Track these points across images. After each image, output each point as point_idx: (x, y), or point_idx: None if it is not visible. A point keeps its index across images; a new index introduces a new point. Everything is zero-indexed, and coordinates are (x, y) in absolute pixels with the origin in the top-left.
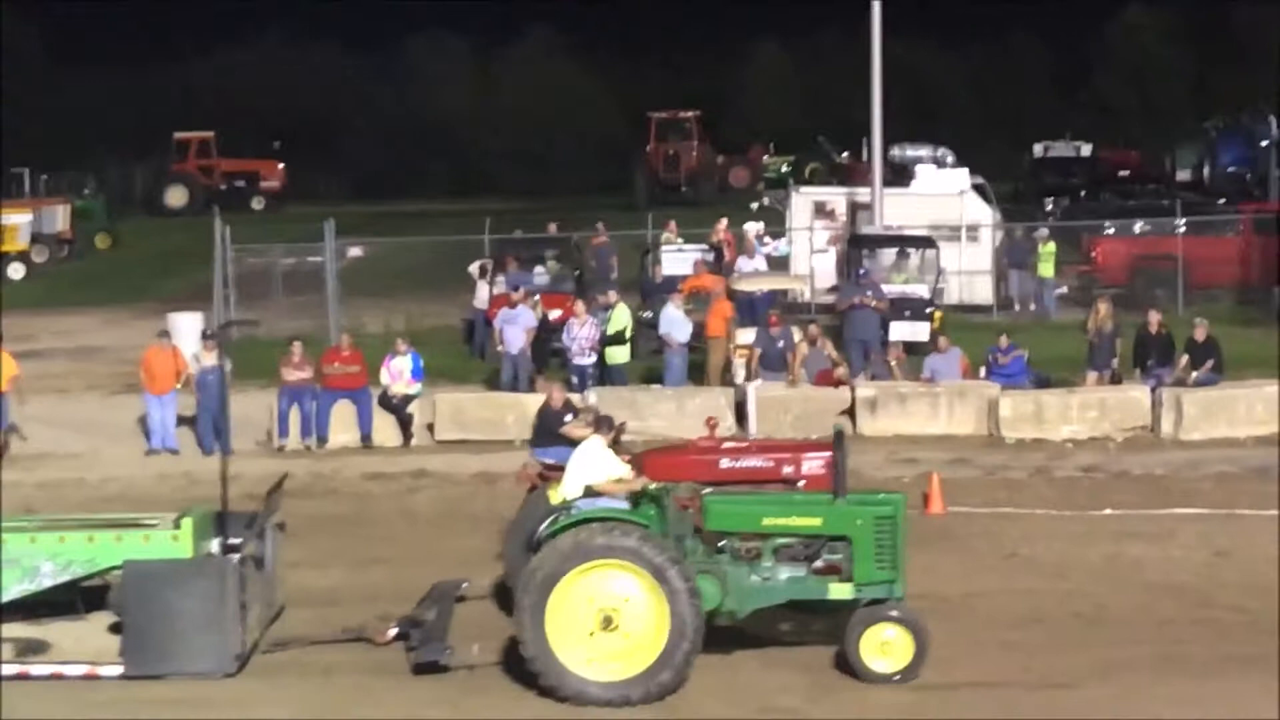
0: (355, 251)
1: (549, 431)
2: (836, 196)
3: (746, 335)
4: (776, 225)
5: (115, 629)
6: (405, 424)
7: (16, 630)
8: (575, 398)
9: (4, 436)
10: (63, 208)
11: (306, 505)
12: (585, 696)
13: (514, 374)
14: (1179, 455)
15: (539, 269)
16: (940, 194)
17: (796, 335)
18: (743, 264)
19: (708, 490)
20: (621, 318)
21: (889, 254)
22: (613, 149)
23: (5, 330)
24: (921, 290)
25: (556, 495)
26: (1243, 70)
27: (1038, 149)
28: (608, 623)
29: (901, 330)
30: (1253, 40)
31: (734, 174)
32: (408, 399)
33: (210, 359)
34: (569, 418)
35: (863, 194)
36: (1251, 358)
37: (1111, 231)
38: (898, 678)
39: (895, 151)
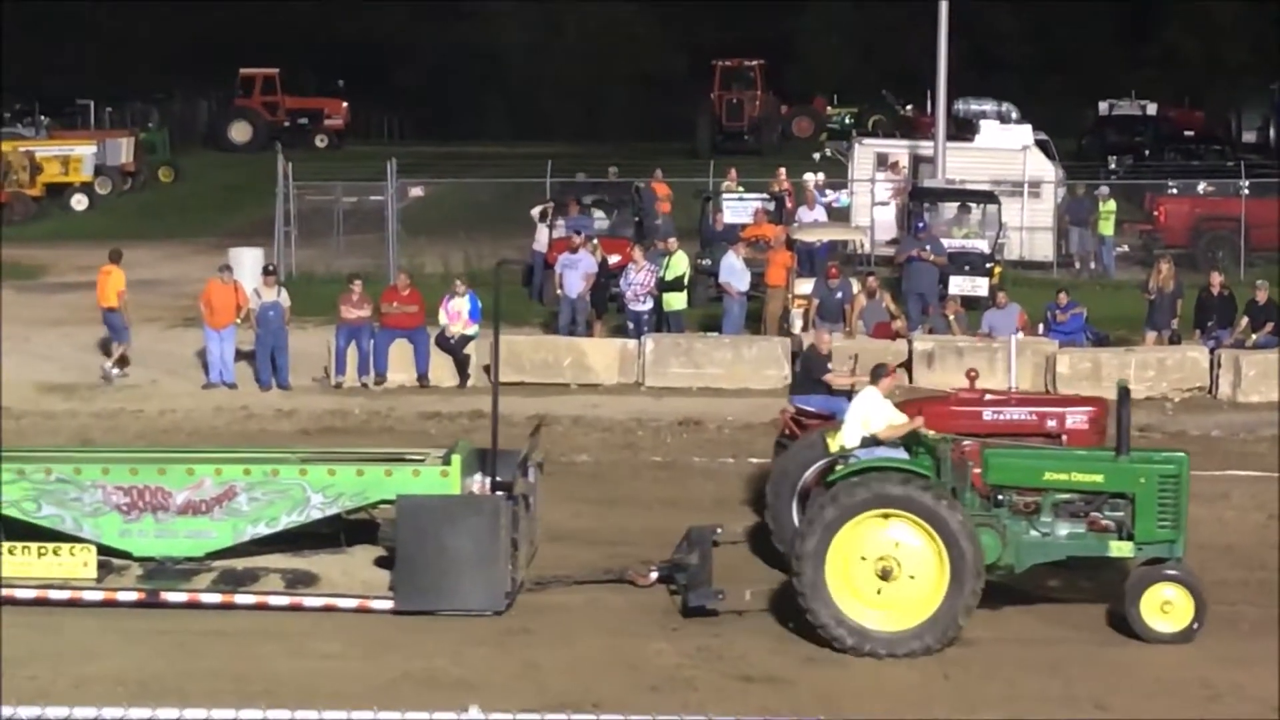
0: (416, 191)
1: (811, 379)
2: (899, 149)
3: (805, 285)
4: (838, 176)
5: (380, 563)
6: (462, 365)
7: (282, 562)
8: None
9: (124, 349)
10: (126, 140)
11: (365, 442)
12: (860, 645)
13: (571, 318)
14: (1236, 417)
15: (599, 213)
16: (1003, 149)
17: (855, 287)
18: (803, 214)
19: (987, 442)
20: (680, 264)
21: (950, 208)
22: (675, 95)
23: (69, 260)
24: (982, 245)
25: (834, 443)
26: None
27: (1102, 107)
28: (887, 573)
29: (960, 284)
30: None
31: (797, 124)
32: (465, 340)
33: (270, 294)
34: (832, 366)
35: (925, 147)
36: None
37: (1174, 191)
38: (1180, 638)
39: (959, 105)
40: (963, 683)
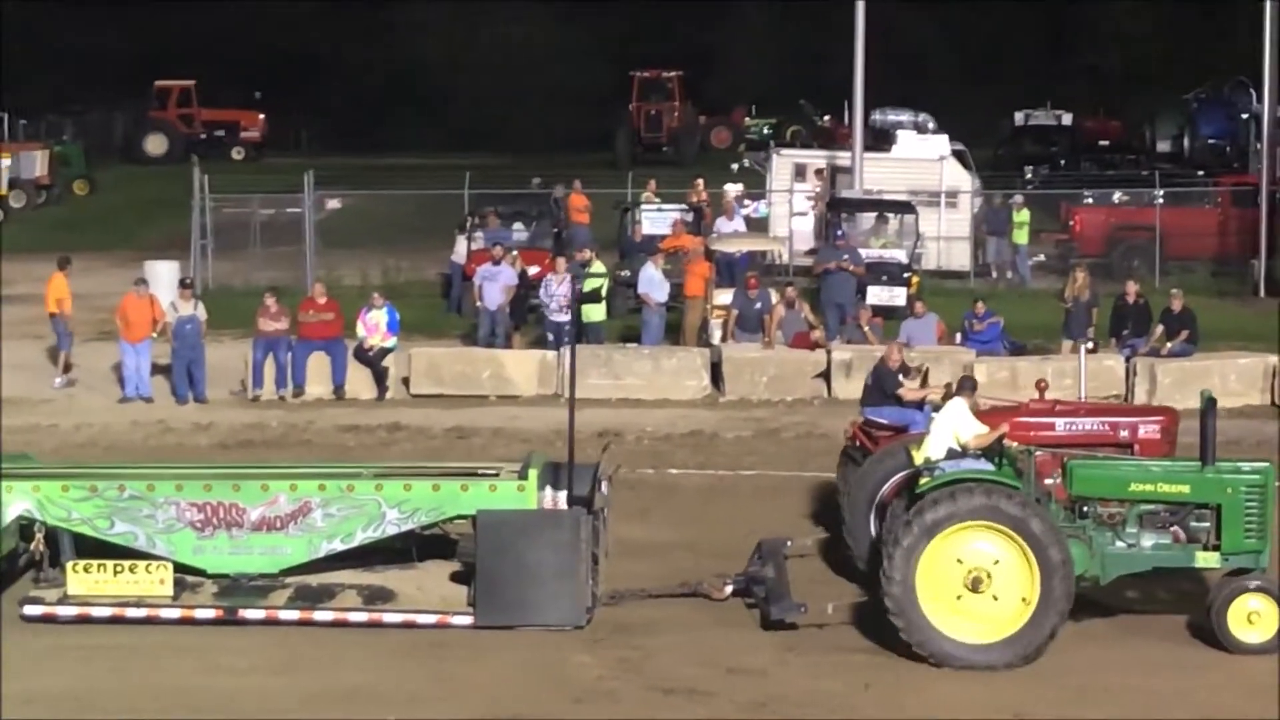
0: (334, 203)
1: (883, 391)
2: (817, 159)
3: (724, 296)
4: (757, 187)
5: (455, 578)
6: (380, 377)
7: (356, 577)
8: (903, 359)
9: (68, 357)
10: (41, 153)
11: (282, 456)
12: (948, 657)
13: (491, 330)
14: None
15: (518, 225)
16: (920, 159)
17: (774, 297)
18: (722, 225)
19: (1067, 453)
20: (599, 276)
21: (868, 218)
22: (594, 107)
23: None
24: (899, 255)
25: (919, 455)
26: (1224, 42)
27: (1018, 117)
28: (977, 584)
29: (878, 294)
30: (1235, 10)
31: (715, 135)
32: (383, 352)
33: (187, 308)
34: (903, 378)
35: (843, 158)
36: (1226, 329)
37: (1090, 201)
38: (1269, 648)
39: (877, 116)
40: (884, 692)
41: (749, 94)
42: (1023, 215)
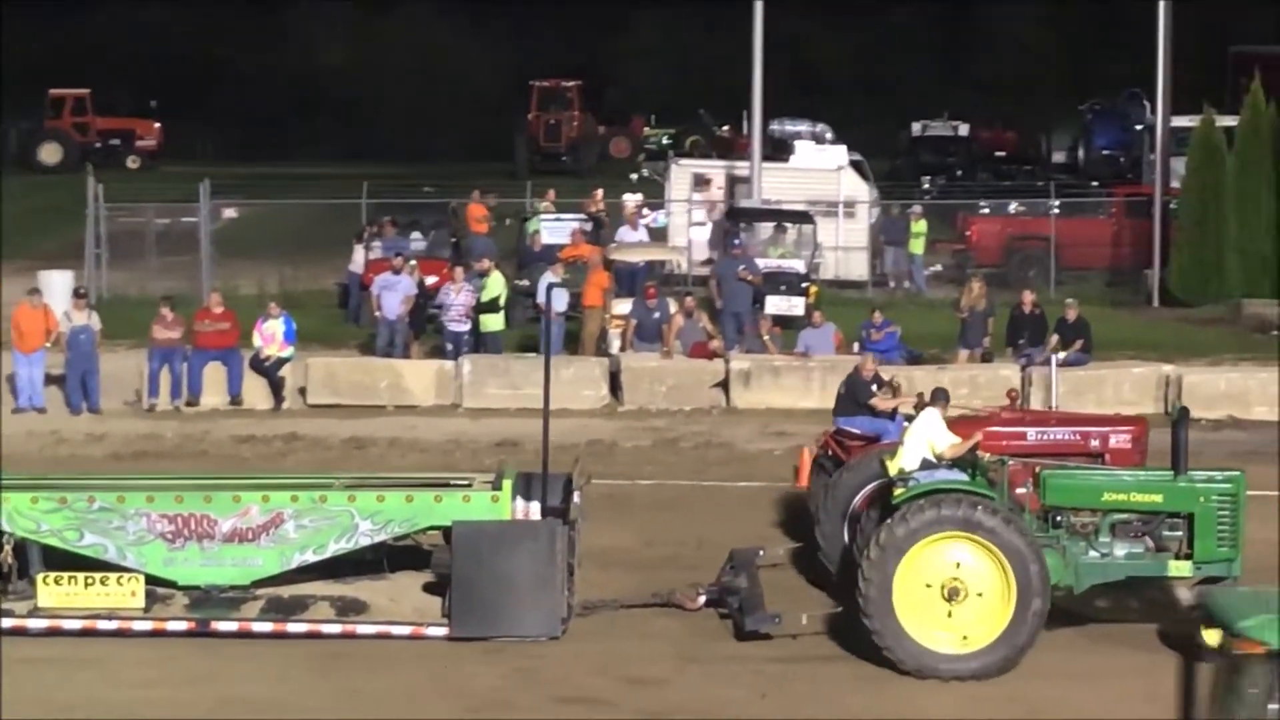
0: (230, 213)
1: (855, 401)
2: (715, 169)
3: (624, 306)
4: (655, 197)
5: (429, 589)
6: (277, 387)
7: (327, 589)
8: (878, 371)
9: None
10: None
11: (178, 466)
12: (926, 667)
13: (390, 340)
14: None
15: (415, 234)
16: (818, 170)
17: (672, 307)
18: (623, 234)
19: (1039, 463)
20: (497, 285)
21: (766, 228)
22: (494, 116)
23: None
24: (797, 265)
25: (893, 466)
26: (1119, 53)
27: (915, 127)
28: (953, 594)
29: (777, 304)
30: (1129, 23)
31: (614, 144)
32: (280, 362)
33: (81, 317)
34: (876, 389)
35: (741, 168)
36: (1121, 339)
37: (986, 211)
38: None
39: (775, 126)
40: (782, 701)
41: (648, 104)
42: (920, 225)
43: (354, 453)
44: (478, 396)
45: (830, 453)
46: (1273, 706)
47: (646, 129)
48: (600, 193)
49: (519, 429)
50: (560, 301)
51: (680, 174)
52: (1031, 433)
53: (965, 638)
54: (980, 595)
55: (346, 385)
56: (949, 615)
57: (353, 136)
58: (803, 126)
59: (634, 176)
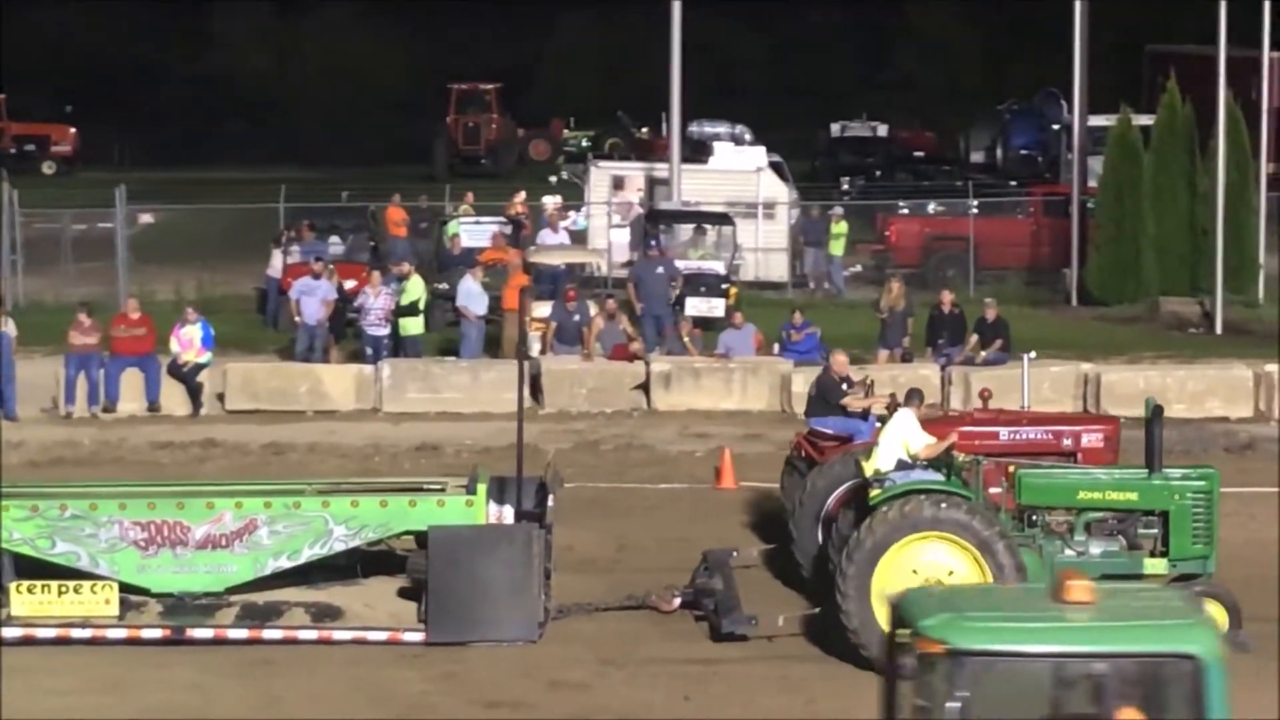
0: (146, 218)
1: (827, 401)
2: (634, 172)
3: (544, 309)
4: (575, 199)
5: (403, 594)
6: (194, 393)
7: (301, 594)
8: (851, 369)
9: None
10: None
11: (95, 474)
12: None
13: (309, 344)
14: None
15: (334, 238)
16: (737, 171)
17: (593, 309)
18: (544, 237)
19: (1014, 462)
20: (416, 289)
21: (686, 230)
22: (412, 119)
23: None
24: (717, 266)
25: (868, 467)
26: (1036, 53)
27: (835, 128)
28: None
29: (697, 305)
30: (1046, 23)
31: (534, 147)
32: (198, 368)
33: None
34: (847, 388)
35: (661, 170)
36: (1040, 338)
37: (905, 211)
38: None
39: (694, 128)
40: (704, 703)
41: (567, 106)
42: (841, 226)
43: (273, 458)
44: (397, 401)
45: (803, 454)
46: (951, 705)
47: (566, 131)
48: (523, 195)
49: (439, 433)
50: (480, 305)
51: (599, 176)
52: (1004, 432)
53: None
54: None
55: (265, 390)
56: None
57: (271, 140)
58: (721, 128)
59: (553, 179)
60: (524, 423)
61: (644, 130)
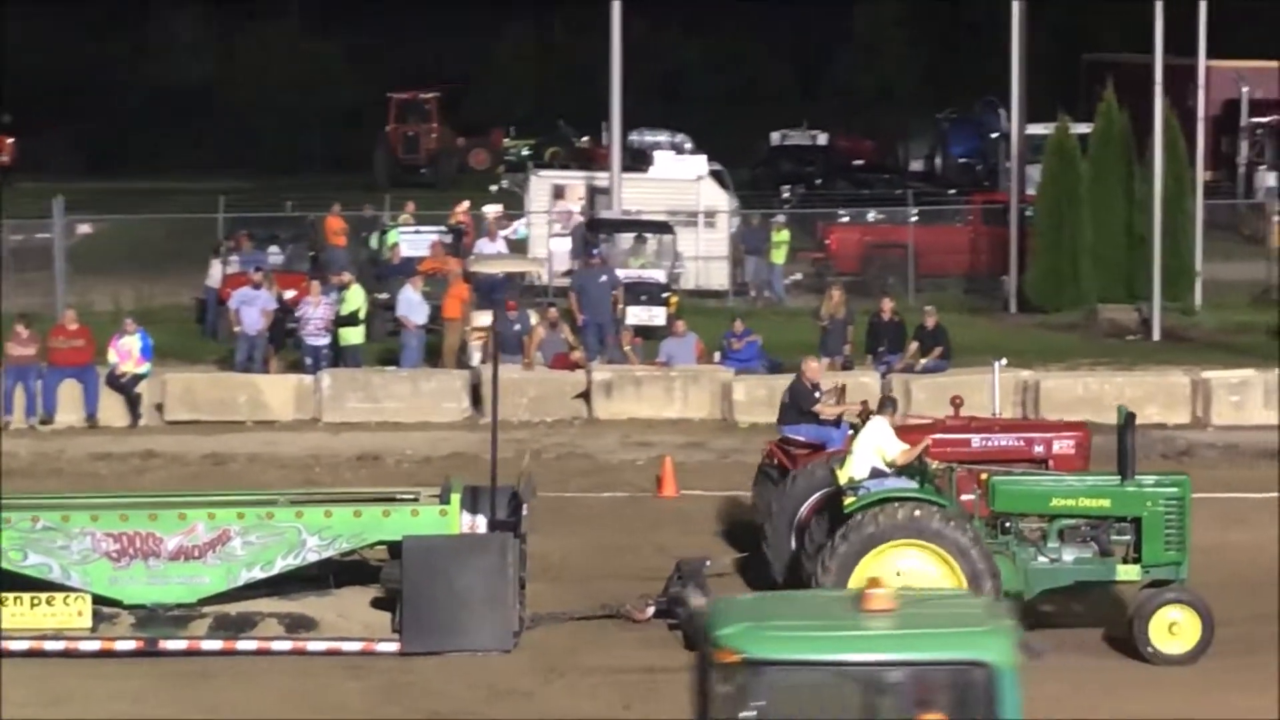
0: (85, 229)
1: (799, 409)
2: (575, 180)
3: (484, 317)
4: (515, 208)
5: (376, 604)
6: (133, 404)
7: (274, 605)
8: (823, 375)
9: None
10: None
11: (33, 486)
12: None
13: (249, 355)
14: None
15: (273, 248)
16: (678, 179)
17: (534, 318)
18: (483, 246)
19: (986, 469)
20: (356, 298)
21: (626, 238)
22: (353, 128)
23: None
24: (658, 275)
25: (843, 475)
26: (974, 62)
27: (775, 136)
28: None
29: (638, 314)
30: (984, 32)
31: (474, 156)
32: (136, 378)
33: None
34: (818, 395)
35: (601, 178)
36: (979, 345)
37: (845, 219)
38: (1188, 658)
39: (634, 137)
40: (644, 713)
41: (507, 115)
42: (783, 234)
43: (213, 469)
44: (337, 411)
45: (775, 461)
46: (745, 714)
47: (506, 140)
48: (466, 204)
49: (380, 443)
50: (420, 314)
51: (540, 185)
52: (976, 439)
53: None
54: None
55: (205, 401)
56: None
57: (210, 150)
58: (662, 136)
59: (493, 188)
60: (465, 432)
61: (584, 139)
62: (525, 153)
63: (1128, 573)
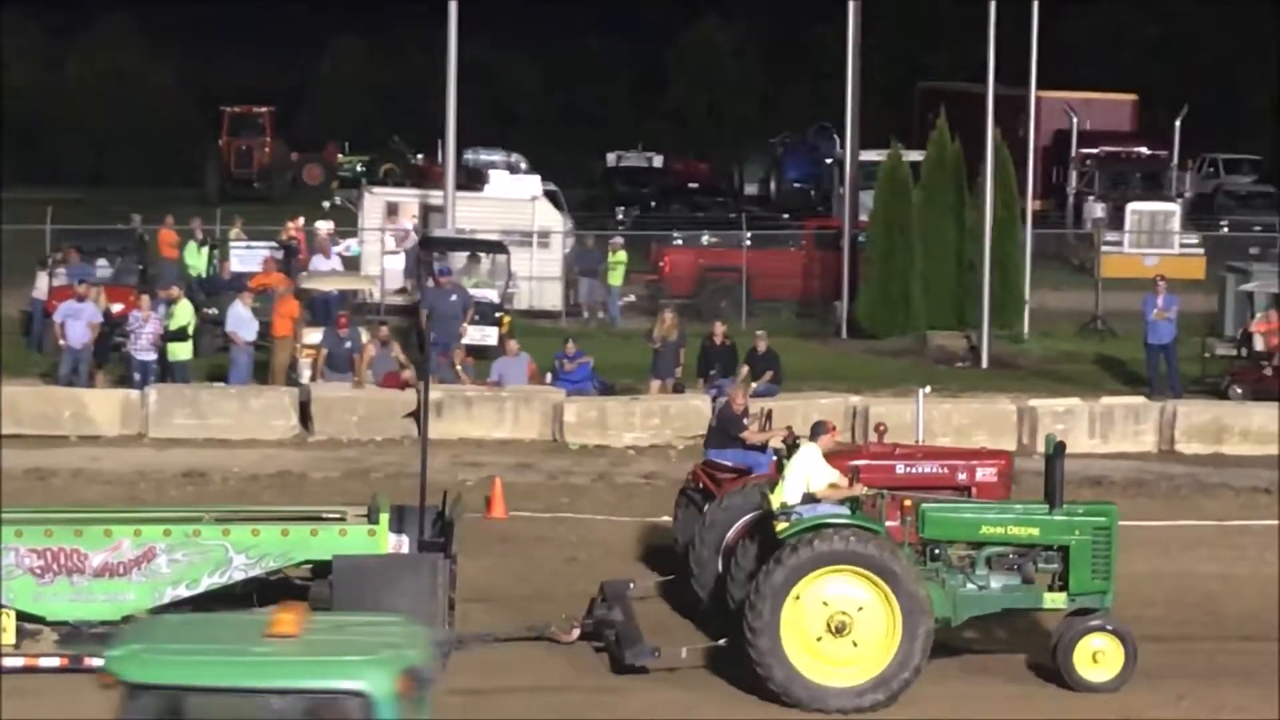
0: None
1: (726, 433)
2: (409, 198)
3: (315, 335)
4: (349, 225)
5: None
6: None
7: None
8: (747, 403)
9: None
10: None
11: None
12: (816, 700)
13: (73, 368)
14: None
15: (101, 261)
16: (512, 199)
17: (365, 336)
18: (317, 263)
19: (909, 496)
20: (184, 313)
21: (460, 258)
22: (185, 141)
23: None
24: (491, 294)
25: (775, 499)
26: (809, 87)
27: (610, 158)
28: (841, 628)
29: (471, 334)
30: (819, 58)
31: (307, 171)
32: None
33: None
34: (747, 422)
35: (436, 196)
36: (810, 369)
37: (679, 242)
38: (1111, 686)
39: (469, 155)
40: None
41: (342, 131)
42: (620, 256)
43: (36, 484)
44: (164, 426)
45: (700, 485)
46: None
47: (340, 156)
48: (300, 220)
49: (207, 460)
50: (249, 330)
51: (373, 202)
52: (900, 466)
53: (854, 670)
54: (867, 628)
55: (28, 415)
56: (837, 649)
57: (38, 161)
58: (497, 156)
59: (326, 204)
60: (293, 450)
61: (419, 156)
62: (359, 169)
63: (1054, 600)
